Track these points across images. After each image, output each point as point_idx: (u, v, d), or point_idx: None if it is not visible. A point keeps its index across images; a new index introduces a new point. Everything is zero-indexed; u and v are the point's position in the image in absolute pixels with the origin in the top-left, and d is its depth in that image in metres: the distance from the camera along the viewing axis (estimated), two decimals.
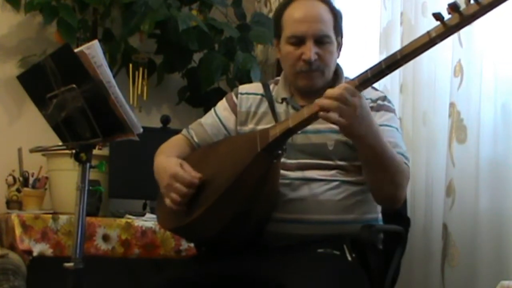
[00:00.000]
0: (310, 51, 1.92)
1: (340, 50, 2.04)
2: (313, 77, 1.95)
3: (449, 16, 1.53)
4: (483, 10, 1.50)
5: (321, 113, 1.65)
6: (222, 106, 2.11)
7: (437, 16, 1.53)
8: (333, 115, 1.63)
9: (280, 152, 1.79)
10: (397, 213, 2.03)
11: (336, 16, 2.00)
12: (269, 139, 1.77)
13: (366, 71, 1.67)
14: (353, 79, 1.69)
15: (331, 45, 1.96)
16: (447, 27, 1.54)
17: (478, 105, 2.16)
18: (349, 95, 1.63)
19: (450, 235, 2.19)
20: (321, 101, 1.66)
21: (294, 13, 1.98)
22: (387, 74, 1.67)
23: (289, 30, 1.97)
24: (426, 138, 2.39)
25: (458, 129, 2.20)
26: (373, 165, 1.80)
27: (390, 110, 1.97)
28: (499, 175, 2.10)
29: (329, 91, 1.65)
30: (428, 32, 1.58)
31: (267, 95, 2.06)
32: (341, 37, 2.03)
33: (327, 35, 1.95)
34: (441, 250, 2.23)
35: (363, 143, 1.73)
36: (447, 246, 2.20)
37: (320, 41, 1.94)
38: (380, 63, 1.65)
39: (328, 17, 1.97)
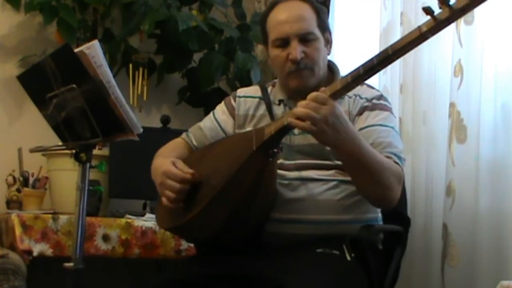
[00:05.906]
0: (295, 50, 1.93)
1: (330, 46, 2.04)
2: (303, 76, 1.96)
3: (440, 10, 1.53)
4: (473, 4, 1.49)
5: (294, 120, 1.67)
6: (220, 109, 2.12)
7: (427, 11, 1.53)
8: (304, 123, 1.65)
9: (275, 150, 1.80)
10: (397, 213, 2.03)
11: (319, 12, 2.00)
12: (264, 137, 1.78)
13: (359, 67, 1.67)
14: (345, 76, 1.70)
15: (317, 41, 1.97)
16: (438, 21, 1.54)
17: (478, 105, 2.16)
18: (318, 104, 1.64)
19: (450, 235, 2.19)
20: (295, 109, 1.69)
21: (276, 16, 2.00)
22: (379, 70, 1.68)
23: (273, 34, 1.99)
24: (426, 138, 2.39)
25: (458, 129, 2.20)
26: (353, 170, 1.81)
27: (385, 108, 1.97)
28: (499, 175, 2.10)
29: (302, 102, 1.66)
30: (419, 27, 1.58)
31: (265, 97, 2.07)
32: (329, 33, 2.04)
33: (311, 32, 1.96)
34: (441, 250, 2.23)
35: (338, 149, 1.76)
36: (447, 246, 2.20)
37: (305, 39, 1.95)
38: (372, 59, 1.65)
39: (310, 14, 1.98)
